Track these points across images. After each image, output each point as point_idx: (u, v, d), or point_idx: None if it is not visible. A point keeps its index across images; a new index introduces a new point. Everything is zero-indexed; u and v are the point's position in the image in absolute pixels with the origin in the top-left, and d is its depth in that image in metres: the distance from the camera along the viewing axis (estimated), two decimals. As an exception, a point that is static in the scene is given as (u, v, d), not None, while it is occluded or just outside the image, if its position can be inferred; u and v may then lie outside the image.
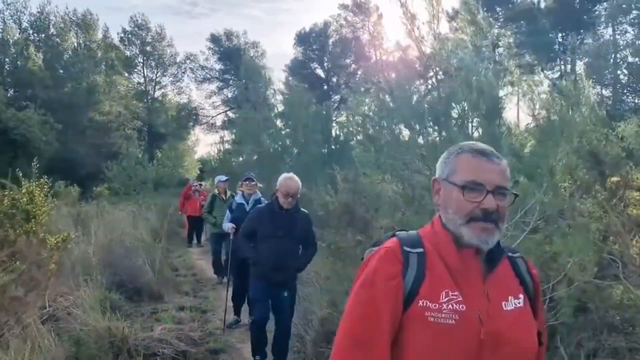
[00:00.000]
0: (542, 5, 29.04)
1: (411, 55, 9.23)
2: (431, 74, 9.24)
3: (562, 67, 29.93)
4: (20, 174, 4.35)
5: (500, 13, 29.46)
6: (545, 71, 28.07)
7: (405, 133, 8.83)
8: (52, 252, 3.73)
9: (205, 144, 60.39)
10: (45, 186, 3.97)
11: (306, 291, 6.00)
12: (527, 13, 27.92)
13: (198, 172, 32.97)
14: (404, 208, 8.34)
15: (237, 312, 6.39)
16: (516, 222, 2.84)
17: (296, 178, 4.54)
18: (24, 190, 3.55)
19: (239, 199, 6.48)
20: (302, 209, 4.71)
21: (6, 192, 3.54)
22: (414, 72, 9.25)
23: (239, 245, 4.65)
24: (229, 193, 8.60)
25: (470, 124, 2.93)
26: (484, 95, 3.49)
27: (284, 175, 4.56)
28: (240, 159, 19.58)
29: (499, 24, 29.39)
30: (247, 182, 6.43)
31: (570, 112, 5.45)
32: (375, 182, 9.18)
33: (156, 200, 16.01)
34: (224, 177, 8.94)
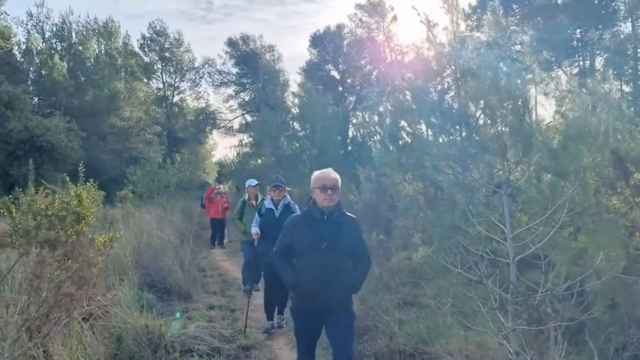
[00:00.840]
0: (560, 1, 28.75)
1: (428, 55, 9.27)
2: (447, 72, 9.29)
3: (581, 63, 29.59)
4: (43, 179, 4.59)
5: (516, 10, 29.24)
6: (564, 67, 27.79)
7: (426, 133, 8.94)
8: (100, 251, 3.91)
9: (222, 147, 61.04)
10: (92, 189, 4.17)
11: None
12: (545, 9, 27.66)
13: (216, 175, 33.38)
14: (425, 207, 8.45)
15: (271, 316, 6.18)
16: (546, 219, 2.93)
17: (332, 170, 3.75)
18: (72, 194, 3.74)
19: (267, 203, 6.24)
20: (347, 213, 3.79)
21: (57, 196, 3.74)
22: (431, 72, 9.30)
23: (276, 265, 3.74)
24: (259, 198, 8.03)
25: (497, 123, 3.01)
26: (510, 93, 3.58)
27: (317, 171, 3.76)
28: (259, 161, 19.83)
29: (516, 21, 29.20)
30: (275, 189, 6.16)
31: (592, 110, 5.50)
32: (396, 181, 9.30)
33: (178, 203, 16.33)
34: (254, 182, 8.32)
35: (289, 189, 6.80)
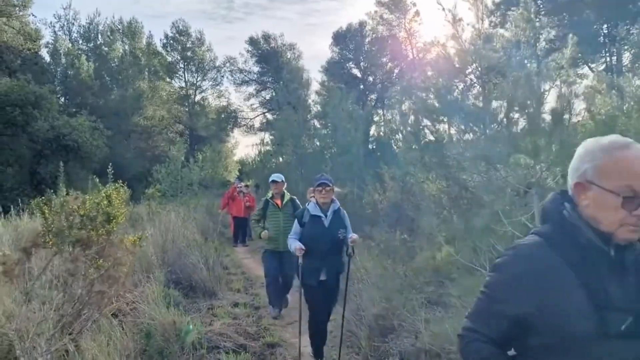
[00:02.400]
0: (586, -5, 28.22)
1: (451, 52, 9.17)
2: (469, 70, 9.19)
3: (608, 59, 29.00)
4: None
5: (541, 6, 28.79)
6: (590, 64, 27.27)
7: (449, 131, 8.87)
8: (129, 251, 4.00)
9: (244, 145, 61.59)
10: (122, 190, 4.26)
11: (356, 287, 6.13)
12: (570, 5, 27.19)
13: (237, 173, 33.66)
14: (449, 206, 8.39)
15: (319, 354, 5.14)
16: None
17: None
18: (103, 194, 3.83)
19: (312, 208, 4.88)
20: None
21: (88, 196, 3.84)
22: (454, 69, 9.21)
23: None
24: (286, 197, 6.75)
25: (528, 122, 2.98)
26: (535, 92, 3.53)
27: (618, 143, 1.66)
28: (280, 159, 19.92)
29: (540, 17, 28.69)
30: (321, 188, 4.83)
31: (620, 107, 5.39)
32: (420, 180, 9.25)
33: (201, 201, 16.53)
34: (279, 177, 6.87)
35: (340, 190, 6.05)
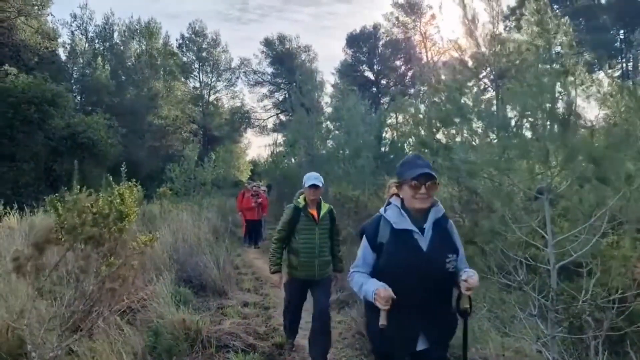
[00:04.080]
0: (603, 0, 27.97)
1: (466, 56, 9.16)
2: (484, 74, 9.17)
3: (624, 65, 28.71)
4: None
5: (558, 10, 28.59)
6: (606, 69, 26.97)
7: (461, 136, 8.83)
8: (140, 250, 4.05)
9: (256, 146, 61.86)
10: (135, 189, 4.31)
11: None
12: (587, 9, 26.97)
13: (249, 173, 33.84)
14: (460, 211, 8.35)
15: None
16: (588, 227, 2.87)
17: None
18: (116, 192, 3.89)
19: (396, 217, 2.74)
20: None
21: (101, 194, 3.90)
22: (468, 73, 9.19)
23: None
24: (324, 207, 4.87)
25: (539, 127, 2.96)
26: (552, 97, 3.51)
27: None
28: (293, 160, 19.98)
29: (556, 21, 28.50)
30: (419, 184, 2.64)
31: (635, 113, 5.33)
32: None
33: (213, 200, 16.64)
34: (319, 179, 4.79)
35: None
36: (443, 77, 10.63)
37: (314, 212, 4.81)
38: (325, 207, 4.88)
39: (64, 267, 3.59)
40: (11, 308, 3.81)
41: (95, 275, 3.44)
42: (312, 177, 4.78)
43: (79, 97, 27.69)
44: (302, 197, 4.88)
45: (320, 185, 4.76)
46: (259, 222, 13.35)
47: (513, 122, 6.75)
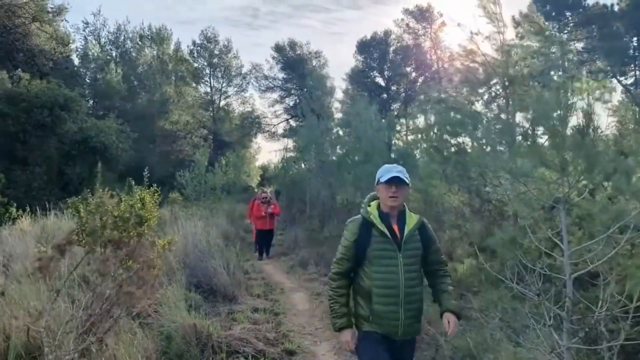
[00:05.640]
0: (616, 8, 27.85)
1: (475, 64, 9.15)
2: (494, 81, 9.15)
3: (637, 72, 28.51)
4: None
5: (569, 18, 28.52)
6: (618, 77, 26.86)
7: (472, 144, 8.83)
8: (159, 253, 4.10)
9: (266, 151, 62.01)
10: (155, 193, 4.37)
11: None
12: (599, 17, 26.87)
13: (259, 179, 33.97)
14: (471, 219, 8.33)
15: None
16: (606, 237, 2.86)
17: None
18: (136, 197, 3.94)
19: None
20: None
21: (123, 198, 3.96)
22: (477, 81, 9.18)
23: None
24: (413, 217, 3.07)
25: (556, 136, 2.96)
26: (566, 104, 3.51)
27: None
28: (303, 165, 20.02)
29: (569, 28, 28.45)
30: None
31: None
32: (441, 192, 9.21)
33: (224, 206, 16.71)
34: (401, 172, 3.01)
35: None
36: (454, 84, 10.63)
37: (395, 226, 3.00)
38: (413, 218, 3.06)
39: (83, 269, 3.64)
40: (30, 309, 3.87)
41: (113, 279, 3.49)
42: (391, 169, 3.03)
43: (91, 102, 28.00)
44: (374, 203, 3.10)
45: (407, 180, 2.99)
46: (270, 231, 12.63)
47: (524, 130, 6.75)
